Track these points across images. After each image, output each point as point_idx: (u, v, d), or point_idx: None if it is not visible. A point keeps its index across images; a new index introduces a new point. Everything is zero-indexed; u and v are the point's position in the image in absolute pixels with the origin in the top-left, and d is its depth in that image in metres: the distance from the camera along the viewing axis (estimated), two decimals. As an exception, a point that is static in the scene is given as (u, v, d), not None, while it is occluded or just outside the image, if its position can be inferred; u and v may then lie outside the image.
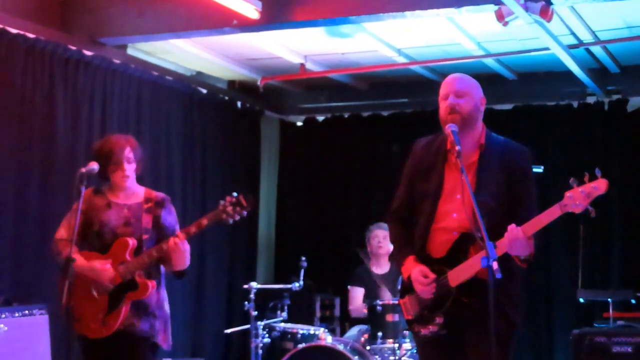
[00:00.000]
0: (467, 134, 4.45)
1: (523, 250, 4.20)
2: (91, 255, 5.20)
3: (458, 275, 4.31)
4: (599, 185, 4.06)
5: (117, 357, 5.19)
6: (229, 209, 5.00)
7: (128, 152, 5.23)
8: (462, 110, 4.42)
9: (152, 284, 5.12)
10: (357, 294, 8.23)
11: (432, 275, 4.38)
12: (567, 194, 4.09)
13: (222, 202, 5.03)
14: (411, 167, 4.69)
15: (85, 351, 5.26)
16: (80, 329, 5.17)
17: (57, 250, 5.28)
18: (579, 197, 4.06)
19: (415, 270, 4.44)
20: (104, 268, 5.09)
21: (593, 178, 4.07)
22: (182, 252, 5.08)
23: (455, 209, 4.42)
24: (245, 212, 5.04)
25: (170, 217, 5.34)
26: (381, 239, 8.05)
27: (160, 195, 5.38)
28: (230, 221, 5.04)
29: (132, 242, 5.14)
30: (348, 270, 8.53)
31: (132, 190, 5.33)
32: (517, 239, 4.14)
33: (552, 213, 4.13)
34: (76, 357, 6.41)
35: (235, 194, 5.04)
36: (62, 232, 5.31)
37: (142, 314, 5.14)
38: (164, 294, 5.34)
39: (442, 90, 4.53)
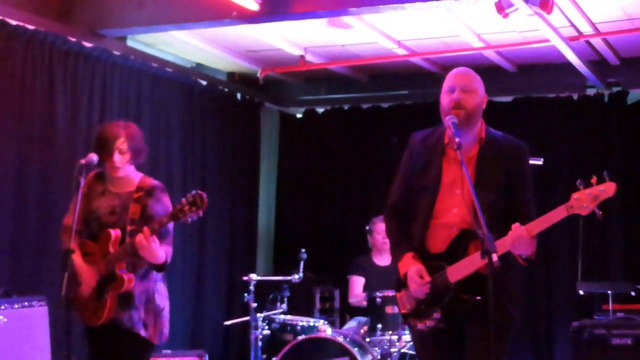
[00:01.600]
0: (468, 129, 4.44)
1: (526, 249, 4.19)
2: (86, 245, 5.20)
3: (458, 271, 4.30)
4: (607, 189, 4.00)
5: (105, 347, 5.22)
6: (186, 208, 4.85)
7: (121, 143, 5.12)
8: (467, 106, 4.39)
9: (128, 277, 5.05)
10: (357, 283, 8.24)
11: (428, 278, 4.38)
12: (574, 195, 4.05)
13: (183, 199, 4.86)
14: (408, 161, 4.66)
15: (85, 336, 5.31)
16: (79, 315, 5.21)
17: (61, 237, 5.31)
18: (587, 199, 4.02)
19: (412, 269, 4.43)
20: (86, 271, 5.11)
21: (601, 180, 4.03)
22: (149, 249, 4.93)
23: (456, 204, 4.41)
24: (200, 212, 4.86)
25: (158, 206, 5.18)
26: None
27: (152, 183, 5.25)
28: (189, 220, 4.89)
29: (114, 233, 5.08)
30: (348, 262, 8.53)
31: (128, 178, 5.25)
32: (521, 237, 4.12)
33: (558, 213, 4.10)
34: (76, 349, 6.43)
35: (193, 192, 4.87)
36: (66, 218, 5.31)
37: (123, 306, 5.11)
38: (156, 286, 5.26)
39: (449, 82, 4.48)
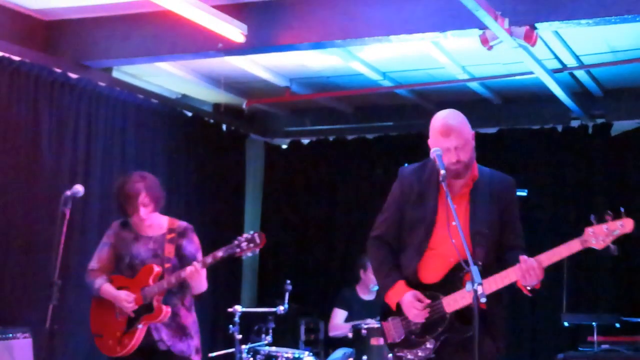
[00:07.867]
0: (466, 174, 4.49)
1: (535, 280, 4.23)
2: (119, 279, 5.51)
3: (455, 301, 4.30)
4: (626, 224, 4.04)
5: None
6: (244, 244, 5.34)
7: (143, 198, 5.47)
8: (464, 160, 4.39)
9: (166, 308, 5.39)
10: (338, 316, 8.24)
11: (427, 301, 4.38)
12: (589, 229, 4.08)
13: (239, 237, 5.35)
14: (400, 194, 4.64)
15: None
16: (100, 346, 5.51)
17: (88, 280, 5.63)
18: (603, 233, 4.05)
19: (409, 295, 4.41)
20: (128, 299, 5.40)
21: (618, 216, 4.04)
22: (199, 278, 5.44)
23: (453, 235, 4.40)
24: (257, 250, 5.37)
25: (190, 245, 5.64)
26: None
27: (183, 225, 5.69)
28: (243, 256, 5.41)
29: (157, 268, 5.44)
30: (332, 293, 8.50)
31: (156, 222, 5.62)
32: (532, 268, 4.18)
33: (572, 247, 4.16)
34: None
35: (252, 232, 5.40)
36: (93, 263, 5.65)
37: (182, 337, 5.48)
38: (196, 317, 5.69)
39: (444, 143, 4.36)
